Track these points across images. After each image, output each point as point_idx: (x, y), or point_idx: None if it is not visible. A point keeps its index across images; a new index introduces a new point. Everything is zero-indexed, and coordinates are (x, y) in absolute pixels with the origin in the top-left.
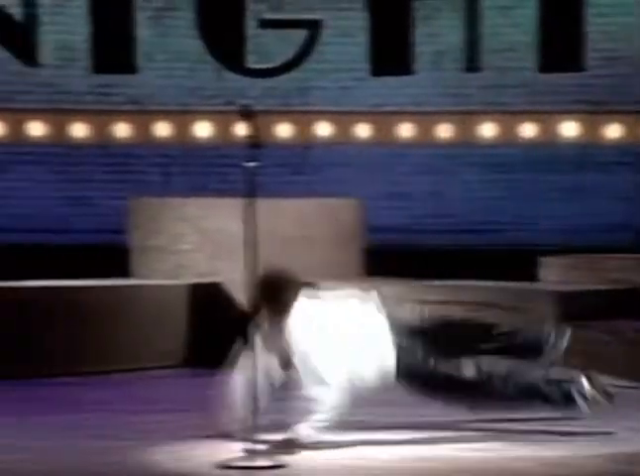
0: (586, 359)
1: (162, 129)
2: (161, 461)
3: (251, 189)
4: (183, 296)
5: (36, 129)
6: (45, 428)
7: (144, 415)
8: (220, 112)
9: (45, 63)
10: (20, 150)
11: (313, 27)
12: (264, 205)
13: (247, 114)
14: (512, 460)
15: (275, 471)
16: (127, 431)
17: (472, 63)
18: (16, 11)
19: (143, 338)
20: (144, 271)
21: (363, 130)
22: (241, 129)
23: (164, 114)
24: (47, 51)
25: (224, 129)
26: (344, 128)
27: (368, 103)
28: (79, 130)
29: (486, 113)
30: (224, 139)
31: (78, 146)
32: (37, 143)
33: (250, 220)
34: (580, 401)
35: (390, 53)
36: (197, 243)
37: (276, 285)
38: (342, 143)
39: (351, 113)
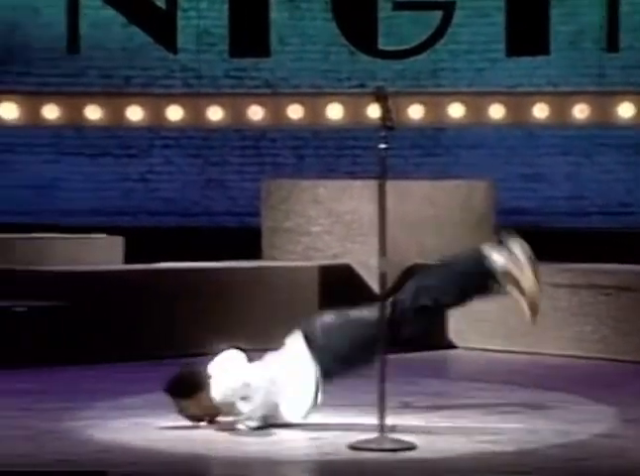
0: None
1: (295, 112)
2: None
3: (382, 171)
4: (314, 277)
5: (175, 113)
6: None
7: None
8: (352, 94)
9: (184, 48)
10: (159, 134)
11: (448, 8)
12: (394, 187)
13: (380, 96)
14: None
15: (406, 453)
16: None
17: (610, 43)
18: None
19: (273, 320)
20: (275, 253)
21: (496, 111)
22: (373, 111)
23: (298, 97)
24: (186, 36)
25: (356, 111)
26: (477, 109)
27: (502, 84)
28: (216, 114)
29: (625, 94)
30: (356, 121)
31: (214, 129)
32: (175, 127)
33: (381, 202)
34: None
35: (526, 32)
36: (329, 225)
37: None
38: (475, 124)
39: (484, 94)
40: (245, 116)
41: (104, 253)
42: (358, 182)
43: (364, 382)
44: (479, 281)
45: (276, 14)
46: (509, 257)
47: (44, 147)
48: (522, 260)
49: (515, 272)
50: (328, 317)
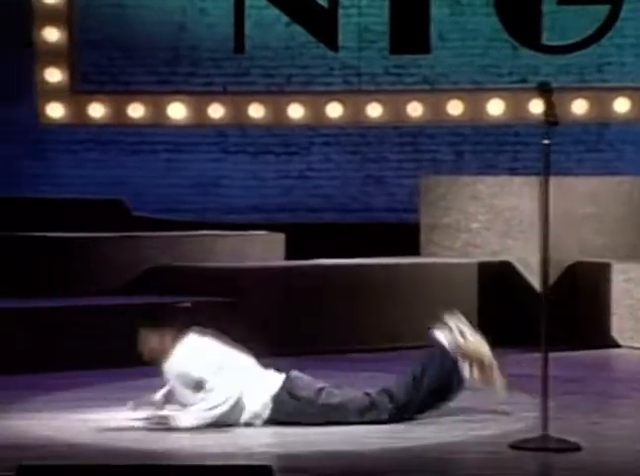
0: None
1: (455, 108)
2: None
3: (545, 167)
4: (473, 274)
5: (334, 111)
6: None
7: None
8: (514, 90)
9: (344, 46)
10: (319, 131)
11: (616, 1)
12: (556, 183)
13: (544, 91)
14: None
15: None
16: None
17: None
18: None
19: (432, 316)
20: (433, 249)
21: None
22: (535, 106)
23: (457, 93)
24: (347, 33)
25: (517, 107)
26: None
27: None
28: (375, 110)
29: None
30: (517, 117)
31: (373, 126)
32: (335, 124)
33: (543, 199)
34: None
35: None
36: (488, 221)
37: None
38: None
39: None
40: (404, 112)
41: (266, 249)
42: (518, 179)
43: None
44: (442, 378)
45: (437, 10)
46: (450, 333)
47: (209, 146)
48: (465, 331)
49: (461, 343)
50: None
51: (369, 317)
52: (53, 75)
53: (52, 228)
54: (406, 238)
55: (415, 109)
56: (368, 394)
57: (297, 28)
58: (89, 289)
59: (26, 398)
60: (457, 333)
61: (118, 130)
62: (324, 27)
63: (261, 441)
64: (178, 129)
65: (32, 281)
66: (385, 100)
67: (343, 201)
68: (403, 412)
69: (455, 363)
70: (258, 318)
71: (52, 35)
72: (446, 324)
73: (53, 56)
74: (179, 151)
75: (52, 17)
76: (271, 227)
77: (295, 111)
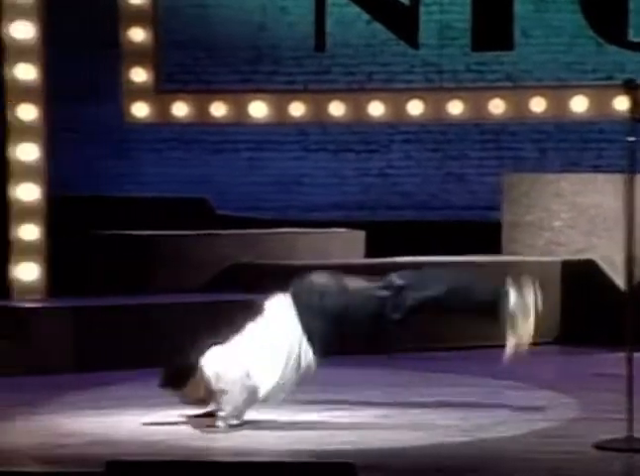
0: None
1: (538, 105)
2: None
3: (630, 165)
4: (557, 273)
5: (415, 108)
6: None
7: (521, 390)
8: (598, 87)
9: (425, 43)
10: (399, 129)
11: None
12: None
13: (630, 88)
14: None
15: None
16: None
17: None
18: None
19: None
20: (515, 247)
21: None
22: (620, 103)
23: (540, 90)
24: (428, 31)
25: (602, 104)
26: None
27: None
28: (456, 108)
29: None
30: (602, 114)
31: (454, 123)
32: (415, 122)
33: (628, 196)
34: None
35: None
36: (571, 219)
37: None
38: None
39: None
40: (485, 110)
41: (346, 247)
42: (602, 176)
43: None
44: (485, 304)
45: (520, 6)
46: (521, 302)
47: (290, 144)
48: (530, 309)
49: (519, 318)
50: (322, 278)
51: (447, 316)
52: (139, 75)
53: (135, 227)
54: (487, 236)
55: (497, 106)
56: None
57: (378, 25)
58: (172, 286)
59: (111, 393)
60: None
61: (201, 129)
62: (405, 24)
63: (339, 439)
64: (260, 127)
65: (115, 279)
66: (467, 97)
67: (423, 199)
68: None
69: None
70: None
71: (137, 35)
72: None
73: (139, 56)
74: (261, 149)
75: (137, 17)
76: (352, 225)
77: (376, 109)
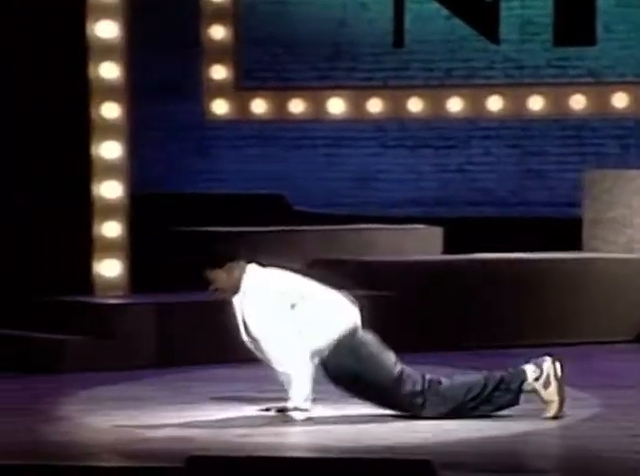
0: None
1: (620, 100)
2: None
3: None
4: (638, 270)
5: (495, 104)
6: None
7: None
8: None
9: (506, 39)
10: (478, 125)
11: None
12: None
13: None
14: None
15: None
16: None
17: None
18: None
19: (595, 312)
20: (596, 244)
21: None
22: None
23: (623, 85)
24: (509, 26)
25: None
26: None
27: None
28: (536, 103)
29: None
30: None
31: (534, 119)
32: (495, 118)
33: None
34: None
35: None
36: None
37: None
38: None
39: None
40: (566, 106)
41: (424, 243)
42: None
43: None
44: (501, 398)
45: (602, 1)
46: (541, 378)
47: (368, 140)
48: (551, 381)
49: (541, 391)
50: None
51: (528, 313)
52: (219, 73)
53: (215, 223)
54: (567, 233)
55: (578, 102)
56: (424, 381)
57: (457, 21)
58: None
59: (192, 389)
60: (543, 379)
61: (279, 126)
62: (485, 20)
63: (417, 435)
64: (338, 124)
65: (195, 275)
66: (548, 93)
67: (502, 195)
68: (438, 410)
69: (516, 397)
70: (414, 312)
71: (217, 33)
72: (540, 367)
73: (219, 53)
74: (339, 146)
75: (218, 15)
76: (429, 221)
77: (455, 104)
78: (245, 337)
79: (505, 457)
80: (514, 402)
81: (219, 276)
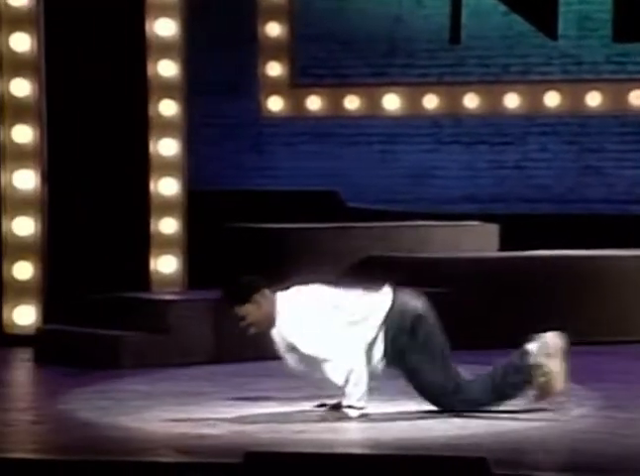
0: None
1: None
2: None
3: None
4: None
5: (552, 100)
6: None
7: None
8: None
9: (564, 35)
10: (535, 121)
11: None
12: None
13: None
14: None
15: None
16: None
17: None
18: None
19: None
20: None
21: None
22: None
23: None
24: (567, 22)
25: None
26: None
27: None
28: (594, 99)
29: None
30: None
31: (592, 116)
32: (552, 114)
33: None
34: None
35: None
36: None
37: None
38: None
39: None
40: (625, 102)
41: (479, 240)
42: None
43: None
44: (514, 379)
45: None
46: (543, 350)
47: (423, 136)
48: (554, 354)
49: (546, 367)
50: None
51: (586, 310)
52: (274, 69)
53: (270, 220)
54: (628, 230)
55: (638, 98)
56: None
57: (515, 17)
58: (305, 279)
59: (248, 386)
60: (546, 351)
61: (335, 122)
62: (543, 15)
63: (471, 431)
64: (393, 120)
65: (249, 271)
66: (606, 89)
67: (559, 192)
68: (465, 406)
69: (528, 374)
70: (470, 310)
71: (273, 30)
72: (544, 342)
73: (275, 50)
74: (394, 142)
75: (274, 12)
76: (485, 218)
77: (512, 101)
78: (295, 365)
79: (563, 455)
80: (528, 378)
81: (249, 310)
